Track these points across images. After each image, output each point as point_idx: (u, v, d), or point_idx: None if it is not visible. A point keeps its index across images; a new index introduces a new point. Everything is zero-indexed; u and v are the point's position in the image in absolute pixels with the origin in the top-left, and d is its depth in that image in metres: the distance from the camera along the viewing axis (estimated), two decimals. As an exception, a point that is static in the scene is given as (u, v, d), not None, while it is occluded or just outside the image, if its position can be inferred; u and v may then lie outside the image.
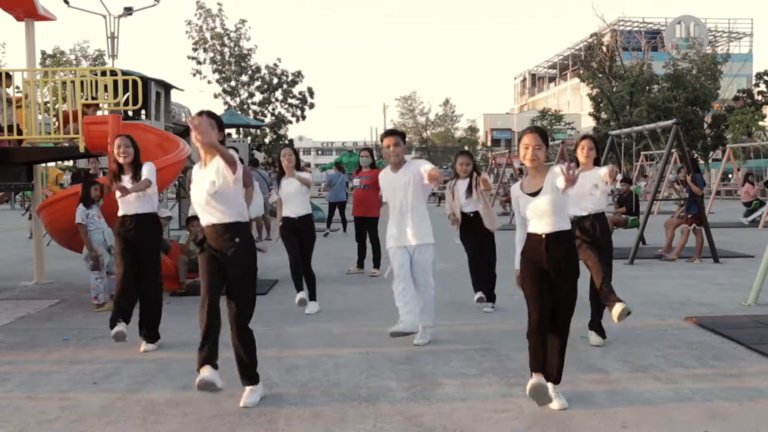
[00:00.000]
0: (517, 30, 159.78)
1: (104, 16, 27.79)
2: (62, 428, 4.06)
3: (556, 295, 4.24)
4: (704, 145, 41.24)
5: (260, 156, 27.99)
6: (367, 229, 10.13)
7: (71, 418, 4.20)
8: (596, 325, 5.90)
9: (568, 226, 4.28)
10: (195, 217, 5.31)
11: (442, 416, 4.19)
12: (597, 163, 5.93)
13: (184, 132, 17.68)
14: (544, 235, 4.22)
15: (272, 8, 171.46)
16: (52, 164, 17.07)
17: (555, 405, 4.27)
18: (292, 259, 7.45)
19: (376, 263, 9.97)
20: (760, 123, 39.58)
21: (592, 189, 5.73)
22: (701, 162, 40.41)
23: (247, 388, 4.48)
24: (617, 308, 5.30)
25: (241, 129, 33.83)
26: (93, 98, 9.37)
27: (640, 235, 11.61)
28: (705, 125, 41.40)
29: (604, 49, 46.00)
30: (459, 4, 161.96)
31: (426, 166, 5.62)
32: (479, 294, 7.25)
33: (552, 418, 4.15)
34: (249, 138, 35.01)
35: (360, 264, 10.25)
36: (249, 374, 4.49)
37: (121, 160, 5.91)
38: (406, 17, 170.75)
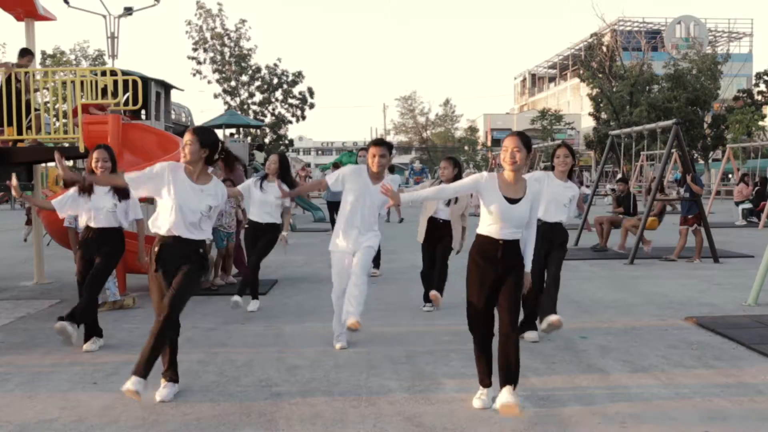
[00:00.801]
0: (517, 30, 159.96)
1: (104, 16, 27.81)
2: (62, 428, 4.06)
3: (504, 299, 4.19)
4: (704, 145, 41.21)
5: (260, 156, 27.95)
6: None
7: (71, 418, 4.20)
8: (532, 320, 5.88)
9: (519, 236, 4.29)
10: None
11: (442, 416, 4.19)
12: (572, 170, 6.03)
13: (185, 132, 17.71)
14: (502, 241, 4.20)
15: (272, 8, 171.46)
16: (52, 164, 17.08)
17: (508, 401, 4.02)
18: (252, 259, 7.50)
19: (376, 263, 9.96)
20: (760, 123, 39.55)
21: (567, 202, 5.89)
22: (700, 162, 40.42)
23: (166, 383, 4.55)
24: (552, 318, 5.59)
25: (241, 129, 33.85)
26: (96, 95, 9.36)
27: (640, 235, 11.61)
28: (705, 125, 41.37)
29: (604, 49, 45.96)
30: (459, 4, 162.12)
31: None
32: (428, 306, 7.33)
33: (552, 418, 4.16)
34: (249, 138, 35.03)
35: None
36: (172, 368, 4.58)
37: (98, 173, 5.69)
38: (406, 17, 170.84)
